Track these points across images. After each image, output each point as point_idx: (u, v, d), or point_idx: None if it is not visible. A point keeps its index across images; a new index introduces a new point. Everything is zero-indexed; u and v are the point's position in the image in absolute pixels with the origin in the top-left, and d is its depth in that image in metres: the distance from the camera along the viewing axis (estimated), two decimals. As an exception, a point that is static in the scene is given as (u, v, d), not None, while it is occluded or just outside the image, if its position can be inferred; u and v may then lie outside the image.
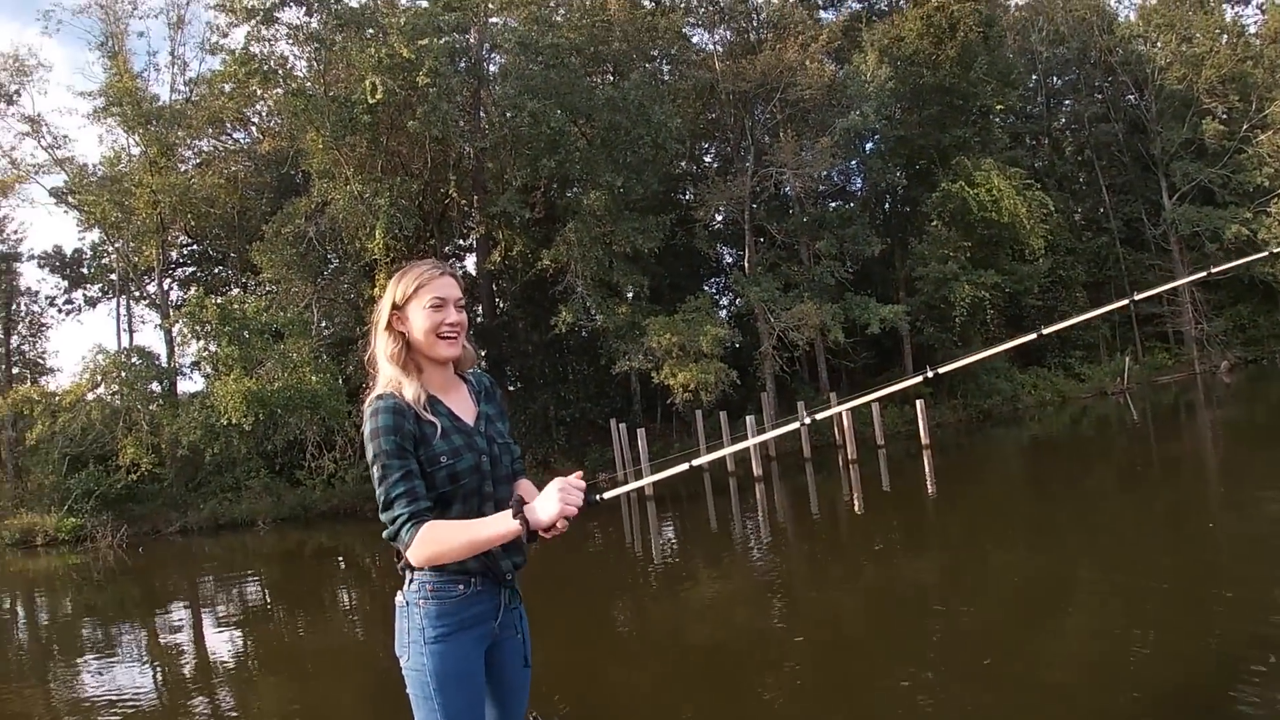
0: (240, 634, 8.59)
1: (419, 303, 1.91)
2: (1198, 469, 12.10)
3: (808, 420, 2.25)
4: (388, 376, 1.90)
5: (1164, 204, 27.75)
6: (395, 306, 1.93)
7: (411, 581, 1.88)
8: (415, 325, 1.91)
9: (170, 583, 13.41)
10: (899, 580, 7.60)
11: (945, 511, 11.48)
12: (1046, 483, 12.78)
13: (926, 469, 15.19)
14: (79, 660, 7.86)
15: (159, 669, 7.31)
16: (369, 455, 1.83)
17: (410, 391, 1.86)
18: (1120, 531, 8.18)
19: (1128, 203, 28.38)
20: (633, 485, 2.05)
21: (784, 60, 20.89)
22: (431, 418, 1.85)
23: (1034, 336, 2.32)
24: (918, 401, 18.60)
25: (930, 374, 2.16)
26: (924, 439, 17.52)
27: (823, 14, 24.85)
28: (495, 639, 1.94)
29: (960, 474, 15.10)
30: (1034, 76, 28.72)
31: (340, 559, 14.25)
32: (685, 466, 2.09)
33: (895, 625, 6.06)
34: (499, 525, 1.76)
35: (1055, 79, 29.76)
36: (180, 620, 9.93)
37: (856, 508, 12.44)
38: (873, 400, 2.18)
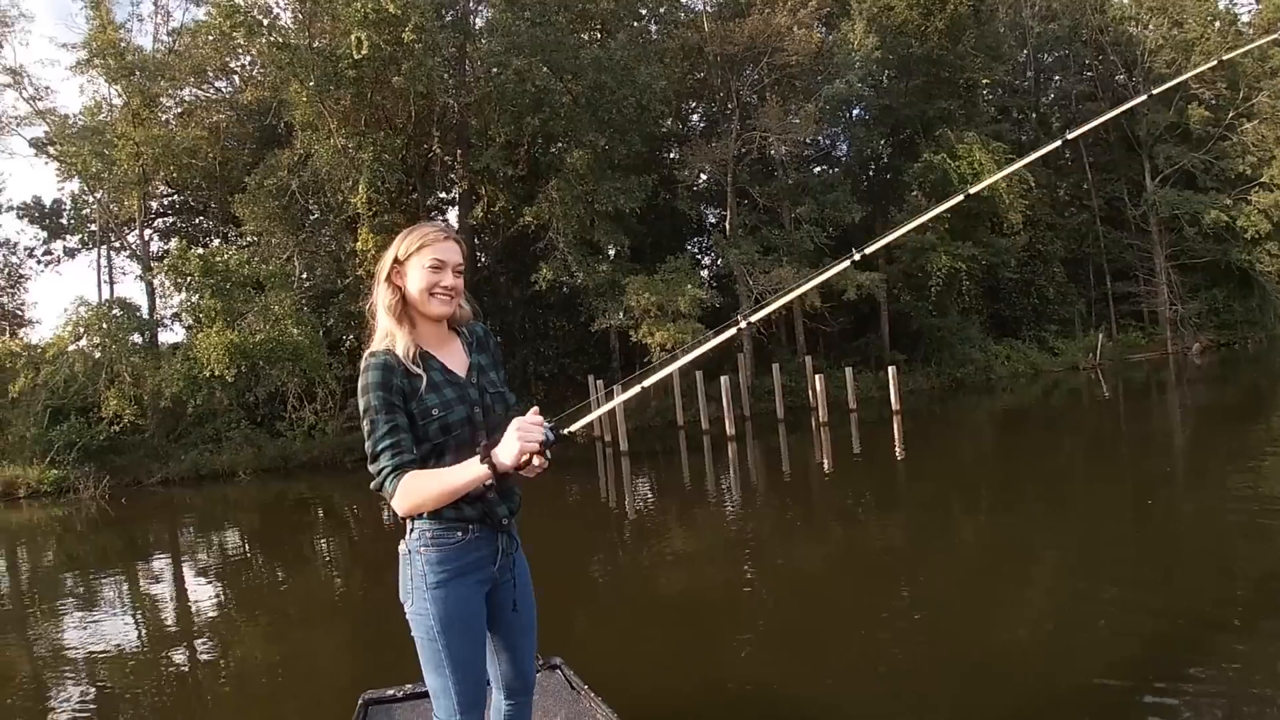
0: (221, 583, 8.58)
1: (419, 261, 1.97)
2: (1164, 445, 12.15)
3: (743, 324, 2.18)
4: (384, 329, 1.97)
5: (1146, 185, 28.01)
6: (397, 261, 1.99)
7: (413, 530, 1.96)
8: (412, 282, 1.98)
9: (152, 533, 13.32)
10: (864, 541, 7.71)
11: (913, 476, 11.58)
12: (1014, 452, 12.89)
13: (896, 434, 15.29)
14: (61, 611, 7.73)
15: (141, 619, 7.27)
16: (360, 409, 1.90)
17: (401, 345, 1.92)
18: (1083, 502, 8.29)
19: (1110, 182, 28.60)
20: (592, 416, 2.00)
21: (772, 24, 20.81)
22: (420, 371, 1.92)
23: (961, 199, 2.33)
24: (890, 368, 18.90)
25: (857, 255, 2.18)
26: (894, 404, 17.74)
27: (813, -20, 24.68)
28: (495, 584, 2.02)
29: (930, 440, 15.15)
30: (1024, 52, 28.79)
31: (320, 509, 14.24)
32: (637, 389, 2.10)
33: (859, 583, 6.19)
34: (469, 471, 1.81)
35: (1045, 55, 29.83)
36: (162, 570, 9.89)
37: (826, 469, 12.57)
38: (807, 289, 2.08)
